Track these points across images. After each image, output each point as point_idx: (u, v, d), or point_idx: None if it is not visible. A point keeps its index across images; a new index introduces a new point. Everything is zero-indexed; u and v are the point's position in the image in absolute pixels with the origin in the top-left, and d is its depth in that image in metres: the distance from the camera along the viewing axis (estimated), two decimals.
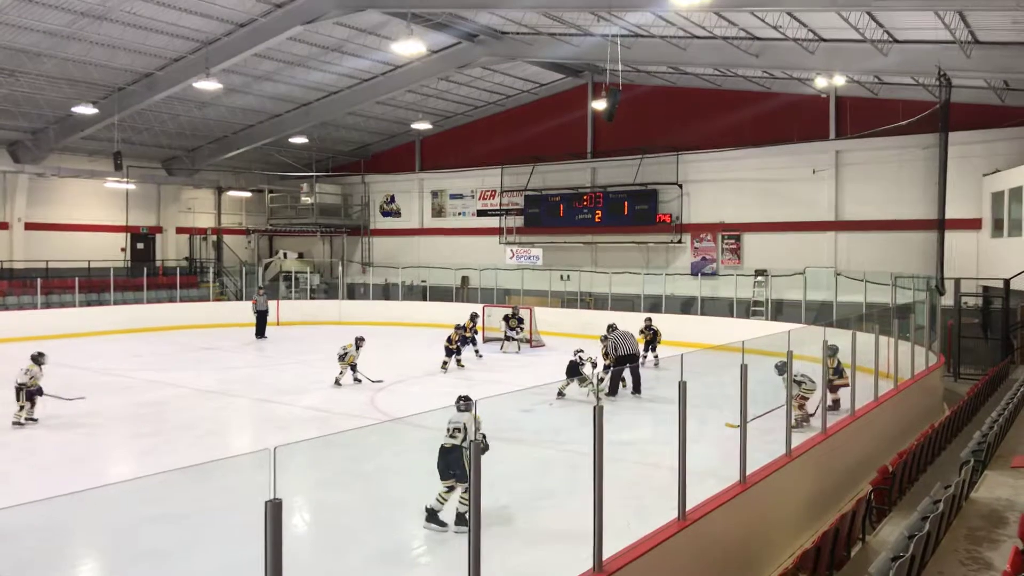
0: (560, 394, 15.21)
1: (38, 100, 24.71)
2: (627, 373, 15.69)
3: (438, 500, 8.10)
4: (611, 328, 16.95)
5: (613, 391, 15.42)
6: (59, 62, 21.97)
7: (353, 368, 16.88)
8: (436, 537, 8.53)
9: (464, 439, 7.87)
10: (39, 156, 28.53)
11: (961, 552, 6.44)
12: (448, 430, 8.03)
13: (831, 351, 12.10)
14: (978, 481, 8.40)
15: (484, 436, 7.47)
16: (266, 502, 3.61)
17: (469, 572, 4.71)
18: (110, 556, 8.08)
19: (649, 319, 19.92)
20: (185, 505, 8.55)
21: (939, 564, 6.15)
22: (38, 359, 13.35)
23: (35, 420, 13.09)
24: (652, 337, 19.28)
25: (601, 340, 16.82)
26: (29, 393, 12.98)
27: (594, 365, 15.36)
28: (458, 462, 7.89)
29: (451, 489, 8.05)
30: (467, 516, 7.00)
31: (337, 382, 16.71)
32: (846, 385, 12.09)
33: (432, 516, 8.13)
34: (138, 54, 22.32)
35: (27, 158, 28.49)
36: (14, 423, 12.85)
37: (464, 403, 8.32)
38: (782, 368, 12.08)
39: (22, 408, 12.97)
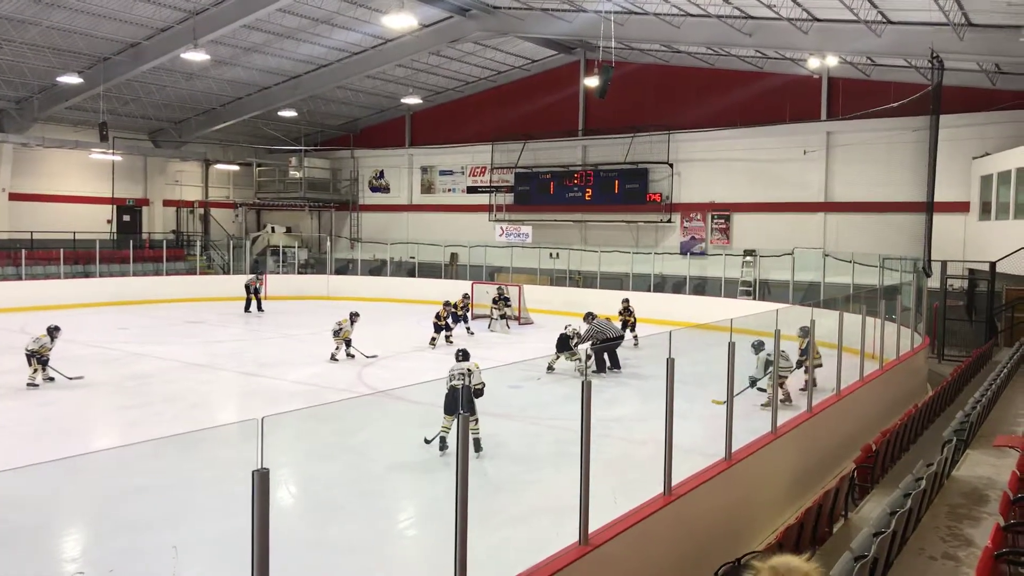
0: (550, 368, 15.28)
1: (22, 68, 24.32)
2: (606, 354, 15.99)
3: (443, 430, 9.69)
4: (590, 316, 16.89)
5: (601, 368, 15.56)
6: (43, 30, 21.60)
7: (347, 343, 16.88)
8: (422, 510, 8.59)
9: (469, 381, 9.73)
10: (23, 126, 28.12)
11: (942, 529, 6.51)
12: (454, 376, 9.87)
13: (803, 332, 12.48)
14: (960, 460, 8.49)
15: (484, 384, 9.78)
16: (253, 472, 3.58)
17: (455, 545, 4.72)
18: (94, 525, 8.07)
19: (627, 300, 19.95)
20: (171, 475, 8.55)
21: (920, 540, 6.21)
22: (52, 332, 14.09)
23: (52, 379, 13.93)
24: (630, 318, 19.34)
25: (585, 319, 16.81)
26: (40, 359, 13.75)
27: (579, 338, 15.41)
28: (467, 399, 9.62)
29: (454, 422, 9.24)
30: (480, 442, 9.71)
31: (333, 357, 16.69)
32: (819, 366, 12.19)
33: (443, 443, 9.66)
34: (124, 23, 21.95)
35: (11, 127, 28.08)
36: (28, 384, 13.64)
37: (462, 354, 10.41)
38: (759, 347, 12.27)
39: (35, 372, 13.77)
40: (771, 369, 12.28)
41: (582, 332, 16.17)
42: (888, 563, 5.42)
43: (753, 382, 12.32)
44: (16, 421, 11.92)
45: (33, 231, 28.49)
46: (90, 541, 7.86)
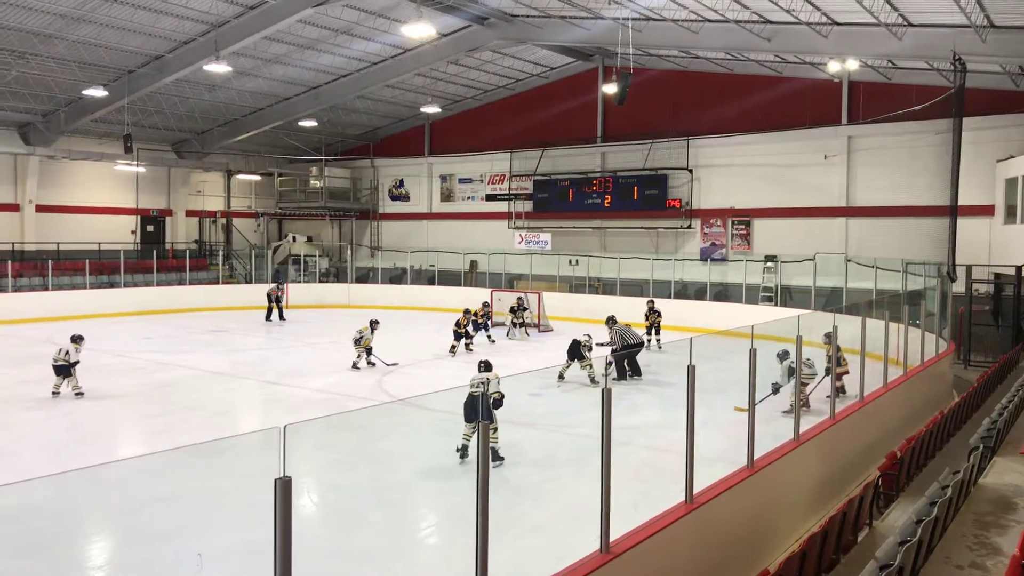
0: (561, 377, 15.18)
1: (49, 82, 24.74)
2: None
3: (464, 438, 9.68)
4: (612, 320, 16.85)
5: (621, 375, 15.47)
6: (70, 44, 21.96)
7: (368, 351, 16.96)
8: (444, 518, 8.60)
9: (487, 390, 9.79)
10: (50, 138, 28.60)
11: (969, 537, 6.43)
12: (474, 384, 9.95)
13: (827, 339, 12.22)
14: (987, 467, 8.38)
15: (502, 395, 9.76)
16: (276, 480, 3.61)
17: (476, 553, 4.73)
18: (119, 534, 8.15)
19: (652, 301, 19.90)
20: (194, 484, 8.62)
21: (946, 549, 6.14)
22: (76, 340, 14.19)
23: (82, 393, 13.93)
24: (655, 319, 19.31)
25: (607, 323, 16.76)
26: (64, 368, 13.87)
27: (590, 349, 15.29)
28: (485, 407, 9.67)
29: (474, 431, 9.44)
30: (499, 451, 9.64)
31: (355, 365, 16.78)
32: (847, 373, 12.08)
33: (464, 452, 9.67)
34: (148, 36, 22.29)
35: (38, 140, 28.57)
36: (53, 393, 13.81)
37: (484, 364, 10.35)
38: (784, 355, 12.14)
39: (63, 381, 13.89)
40: (794, 377, 12.17)
41: (606, 338, 16.10)
42: (914, 572, 5.36)
43: (776, 389, 12.21)
44: (39, 431, 12.07)
45: (59, 242, 28.94)
46: (115, 549, 7.95)
